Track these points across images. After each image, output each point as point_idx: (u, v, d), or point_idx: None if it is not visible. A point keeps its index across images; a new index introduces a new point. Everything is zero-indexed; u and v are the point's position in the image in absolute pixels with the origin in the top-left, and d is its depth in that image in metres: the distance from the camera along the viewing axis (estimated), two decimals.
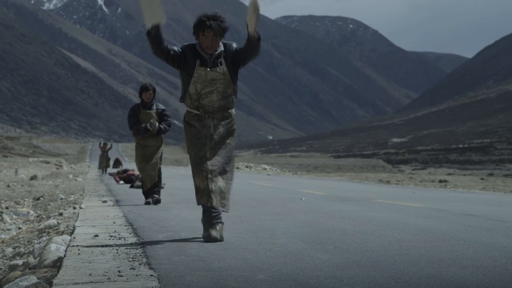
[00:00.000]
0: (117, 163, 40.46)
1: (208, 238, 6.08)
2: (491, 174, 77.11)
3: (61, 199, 14.73)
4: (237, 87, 6.37)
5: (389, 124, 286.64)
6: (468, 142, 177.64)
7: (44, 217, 11.24)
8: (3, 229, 11.17)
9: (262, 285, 4.19)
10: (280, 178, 29.67)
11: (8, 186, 22.86)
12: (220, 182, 6.17)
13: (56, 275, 4.55)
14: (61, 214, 10.36)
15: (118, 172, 22.11)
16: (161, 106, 11.42)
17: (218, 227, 6.16)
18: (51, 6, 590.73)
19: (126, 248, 5.71)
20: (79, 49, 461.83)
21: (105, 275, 4.43)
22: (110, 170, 33.73)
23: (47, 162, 58.66)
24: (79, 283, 4.20)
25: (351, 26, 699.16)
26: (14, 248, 7.95)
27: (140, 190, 13.36)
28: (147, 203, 11.09)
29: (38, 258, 5.67)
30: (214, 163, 6.19)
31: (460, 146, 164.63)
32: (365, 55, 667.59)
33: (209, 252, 5.47)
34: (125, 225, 7.67)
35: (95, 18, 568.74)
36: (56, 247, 5.81)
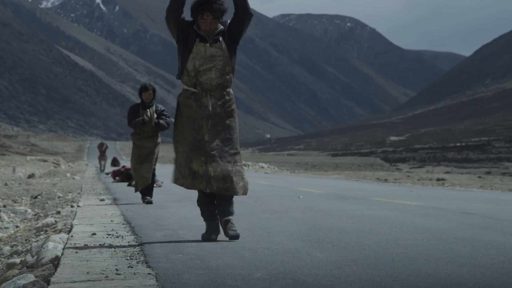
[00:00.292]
0: (115, 162, 40.50)
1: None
2: (488, 173, 77.15)
3: (59, 197, 14.73)
4: (235, 64, 6.16)
5: (387, 123, 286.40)
6: (465, 140, 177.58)
7: (42, 215, 11.23)
8: (0, 228, 11.16)
9: (259, 283, 4.19)
10: (278, 177, 29.69)
11: (6, 184, 22.84)
12: (222, 166, 5.96)
13: (53, 274, 4.55)
14: (58, 212, 10.36)
15: (114, 172, 22.18)
16: (161, 107, 11.41)
17: (230, 224, 6.14)
18: (49, 5, 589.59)
19: (124, 247, 5.71)
20: (77, 47, 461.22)
21: (103, 274, 4.43)
22: (107, 169, 33.72)
23: (45, 161, 58.65)
24: (76, 282, 4.20)
25: (348, 24, 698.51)
26: (12, 246, 7.94)
27: None
28: (148, 202, 11.17)
29: (36, 257, 5.67)
30: (213, 146, 5.98)
31: (458, 144, 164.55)
32: (362, 54, 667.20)
33: (206, 251, 5.47)
34: (122, 224, 7.68)
35: (92, 17, 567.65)
36: (54, 245, 5.81)
